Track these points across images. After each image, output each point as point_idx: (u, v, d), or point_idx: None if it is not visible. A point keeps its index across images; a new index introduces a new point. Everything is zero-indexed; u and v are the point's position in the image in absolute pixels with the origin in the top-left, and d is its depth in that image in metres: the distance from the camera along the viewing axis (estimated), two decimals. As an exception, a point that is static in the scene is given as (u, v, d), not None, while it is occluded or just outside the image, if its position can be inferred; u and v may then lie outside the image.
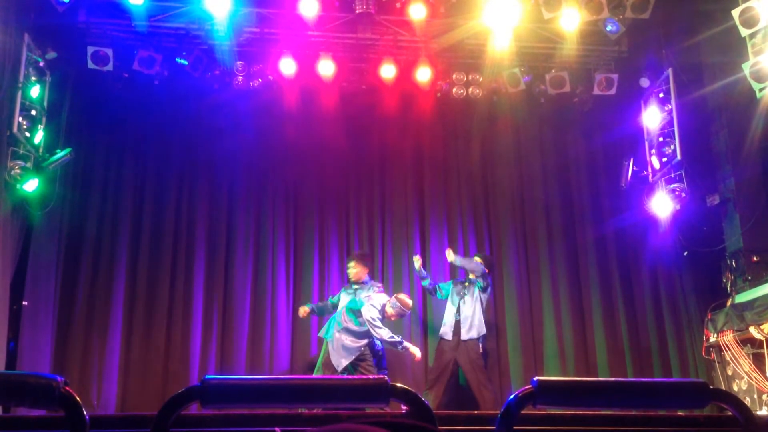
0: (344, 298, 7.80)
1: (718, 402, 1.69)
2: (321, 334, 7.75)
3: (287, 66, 8.66)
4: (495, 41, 8.51)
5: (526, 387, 1.60)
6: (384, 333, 7.36)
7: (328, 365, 7.41)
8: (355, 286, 7.85)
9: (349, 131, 9.29)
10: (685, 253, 8.70)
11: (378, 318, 7.37)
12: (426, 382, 8.09)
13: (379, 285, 8.00)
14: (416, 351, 7.62)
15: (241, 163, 9.14)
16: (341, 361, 7.39)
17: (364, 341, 7.50)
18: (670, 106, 8.69)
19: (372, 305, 7.42)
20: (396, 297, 7.50)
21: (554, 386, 1.63)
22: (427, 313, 8.92)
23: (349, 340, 7.42)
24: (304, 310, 8.00)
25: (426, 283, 8.25)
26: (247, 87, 8.87)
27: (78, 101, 8.60)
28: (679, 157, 8.49)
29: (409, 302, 7.58)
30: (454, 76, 9.07)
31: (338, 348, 7.41)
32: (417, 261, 8.21)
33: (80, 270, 8.43)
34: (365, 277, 7.91)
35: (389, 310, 7.42)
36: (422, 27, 8.67)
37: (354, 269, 7.94)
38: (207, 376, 1.56)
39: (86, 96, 8.69)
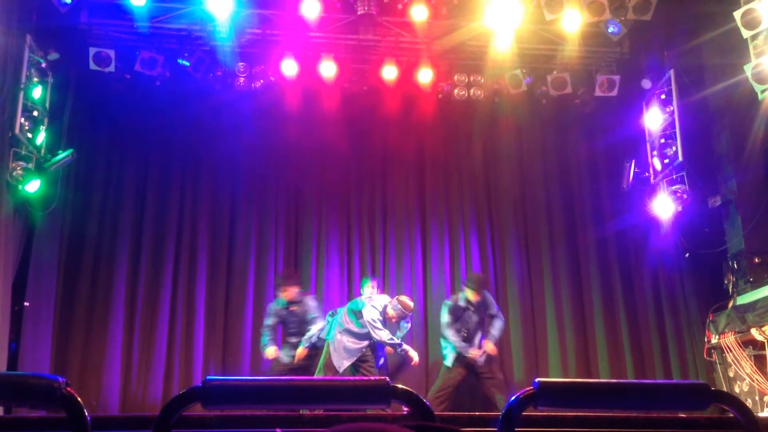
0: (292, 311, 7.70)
1: (720, 404, 1.68)
2: (322, 335, 7.75)
3: (289, 67, 8.67)
4: (496, 43, 8.52)
5: (528, 388, 1.60)
6: (383, 335, 7.37)
7: (330, 366, 7.41)
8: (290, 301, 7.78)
9: (351, 132, 9.29)
10: (687, 255, 8.70)
11: (378, 319, 7.37)
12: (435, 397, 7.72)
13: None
14: (414, 355, 7.61)
15: (242, 164, 9.14)
16: (342, 362, 7.39)
17: (365, 342, 7.49)
18: (671, 108, 8.69)
19: (373, 306, 7.42)
20: (397, 299, 7.49)
21: (555, 388, 1.63)
22: (428, 317, 8.91)
23: (350, 342, 7.42)
24: (273, 351, 7.73)
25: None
26: (249, 88, 8.88)
27: (80, 102, 8.61)
28: (680, 158, 8.49)
29: (411, 304, 7.55)
30: (455, 77, 9.07)
31: (339, 349, 7.41)
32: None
33: (82, 271, 8.44)
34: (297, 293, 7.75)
35: (390, 312, 7.41)
36: (424, 28, 8.67)
37: (285, 292, 7.68)
38: (208, 377, 1.56)
39: (88, 97, 8.70)
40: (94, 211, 8.64)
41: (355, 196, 9.33)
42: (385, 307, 7.43)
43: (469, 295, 7.74)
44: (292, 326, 7.76)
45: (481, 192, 9.47)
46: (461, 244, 9.22)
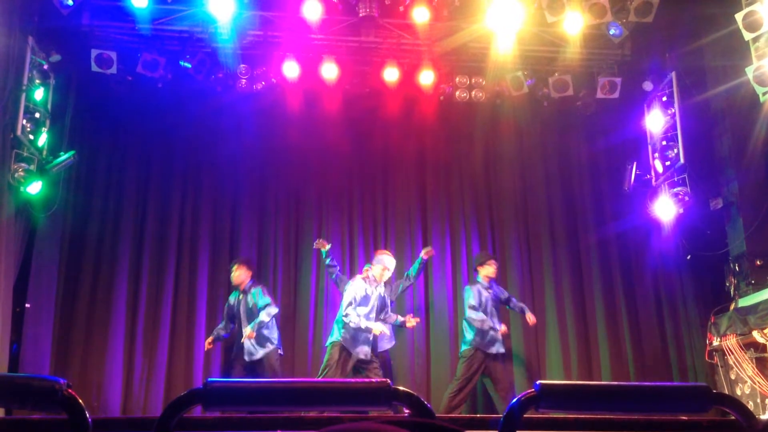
0: (242, 300, 7.82)
1: (721, 406, 1.68)
2: (332, 339, 7.66)
3: (290, 69, 8.67)
4: (498, 45, 8.52)
5: (529, 390, 1.60)
6: (353, 318, 7.49)
7: (331, 367, 7.40)
8: (240, 290, 7.89)
9: (352, 134, 9.30)
10: (688, 257, 8.69)
11: (347, 305, 7.55)
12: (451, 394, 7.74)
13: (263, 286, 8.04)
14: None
15: (244, 165, 9.15)
16: (362, 348, 7.51)
17: (368, 322, 7.56)
18: (673, 110, 8.69)
19: (347, 293, 7.64)
20: (375, 256, 7.86)
21: (557, 390, 1.63)
22: (430, 318, 8.91)
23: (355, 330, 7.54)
24: (209, 342, 7.98)
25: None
26: (251, 90, 8.88)
27: (82, 104, 8.62)
28: (682, 160, 8.48)
29: (388, 256, 7.87)
30: (457, 79, 9.08)
31: (354, 340, 7.47)
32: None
33: (83, 272, 8.44)
34: (248, 281, 7.90)
35: (374, 272, 7.72)
36: (425, 30, 8.67)
37: (236, 272, 7.91)
38: (209, 379, 1.56)
39: (90, 99, 8.70)
40: (95, 213, 8.65)
41: (357, 197, 9.34)
42: (366, 277, 7.74)
43: (489, 272, 8.03)
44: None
45: (482, 194, 9.47)
46: (462, 246, 9.21)
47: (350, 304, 7.54)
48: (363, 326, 7.46)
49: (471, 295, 7.88)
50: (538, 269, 9.18)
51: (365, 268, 8.06)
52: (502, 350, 7.82)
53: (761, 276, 7.78)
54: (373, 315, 7.64)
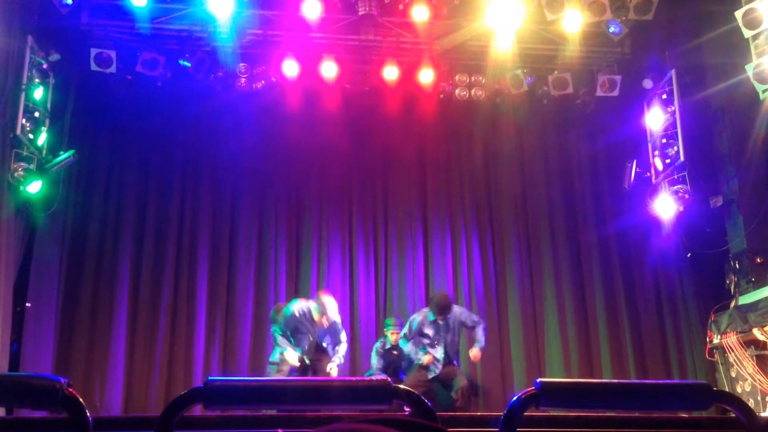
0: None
1: (722, 404, 1.68)
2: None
3: (290, 68, 8.67)
4: (498, 43, 8.51)
5: (530, 389, 1.60)
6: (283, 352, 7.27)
7: None
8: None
9: (352, 133, 9.29)
10: (689, 255, 8.69)
11: (280, 340, 7.27)
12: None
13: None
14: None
15: (243, 164, 9.15)
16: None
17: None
18: (673, 108, 8.69)
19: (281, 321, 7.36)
20: (317, 297, 7.34)
21: (557, 388, 1.63)
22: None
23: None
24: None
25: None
26: (250, 89, 8.88)
27: (81, 103, 8.62)
28: (682, 158, 8.48)
29: (328, 300, 7.21)
30: (456, 77, 9.07)
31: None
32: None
33: (83, 272, 8.45)
34: None
35: (315, 315, 7.20)
36: (425, 29, 8.67)
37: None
38: (210, 378, 1.56)
39: (89, 98, 8.70)
40: (95, 212, 8.65)
41: (357, 196, 9.34)
42: (308, 310, 7.25)
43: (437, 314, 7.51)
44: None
45: (482, 192, 9.47)
46: (463, 244, 9.21)
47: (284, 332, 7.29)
48: (279, 359, 7.31)
49: (408, 324, 7.65)
50: (538, 267, 9.18)
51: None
52: (430, 376, 7.41)
53: (761, 273, 7.78)
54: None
